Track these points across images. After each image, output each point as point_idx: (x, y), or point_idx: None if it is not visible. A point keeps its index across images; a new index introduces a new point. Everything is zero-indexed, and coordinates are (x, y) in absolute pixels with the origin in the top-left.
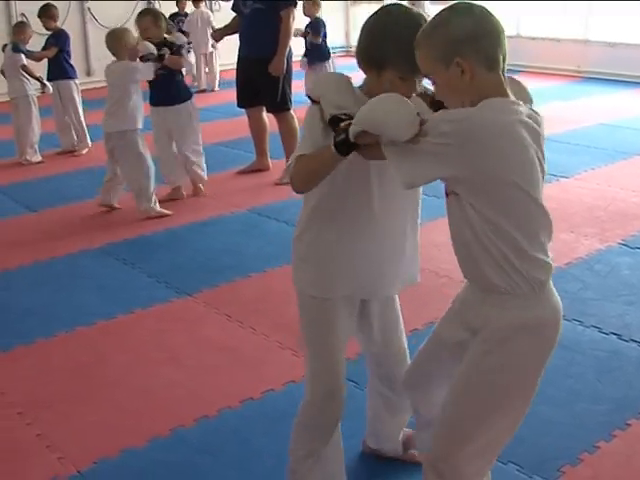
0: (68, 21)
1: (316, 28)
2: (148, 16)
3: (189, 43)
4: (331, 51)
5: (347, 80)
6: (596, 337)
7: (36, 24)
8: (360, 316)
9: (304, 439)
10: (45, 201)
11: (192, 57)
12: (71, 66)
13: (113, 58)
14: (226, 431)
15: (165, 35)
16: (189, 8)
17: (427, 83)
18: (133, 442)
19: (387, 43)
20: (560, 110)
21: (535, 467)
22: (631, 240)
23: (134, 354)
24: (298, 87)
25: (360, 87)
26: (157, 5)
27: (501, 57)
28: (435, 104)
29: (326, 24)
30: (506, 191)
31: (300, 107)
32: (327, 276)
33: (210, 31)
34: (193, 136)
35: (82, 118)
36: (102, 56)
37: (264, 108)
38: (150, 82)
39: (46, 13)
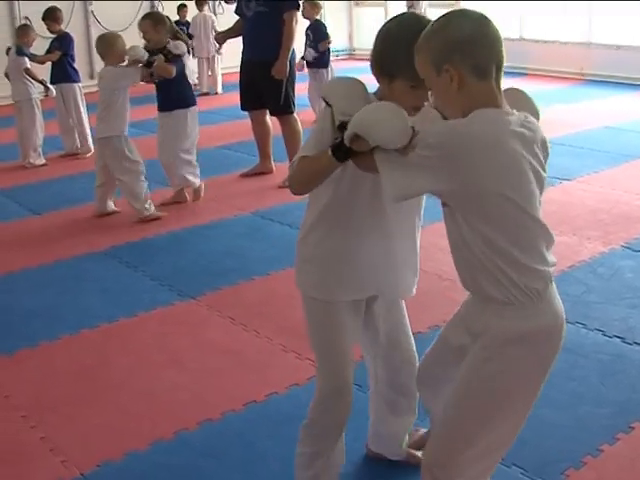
0: (71, 24)
1: (319, 32)
2: (148, 20)
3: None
4: (333, 54)
5: (360, 86)
6: (599, 340)
7: (40, 27)
8: (365, 319)
9: (313, 439)
10: (49, 204)
11: (194, 61)
12: (75, 70)
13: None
14: (230, 434)
15: (169, 40)
16: (192, 13)
17: None
18: (136, 445)
19: (398, 52)
20: (563, 113)
21: (538, 470)
22: (635, 243)
23: (137, 357)
24: (301, 90)
25: (374, 93)
26: (160, 8)
27: (494, 66)
28: None
29: (327, 27)
30: (497, 205)
31: (303, 110)
32: (330, 279)
33: (213, 34)
34: (180, 143)
35: (85, 122)
36: None
37: (267, 111)
38: (156, 87)
39: (51, 16)
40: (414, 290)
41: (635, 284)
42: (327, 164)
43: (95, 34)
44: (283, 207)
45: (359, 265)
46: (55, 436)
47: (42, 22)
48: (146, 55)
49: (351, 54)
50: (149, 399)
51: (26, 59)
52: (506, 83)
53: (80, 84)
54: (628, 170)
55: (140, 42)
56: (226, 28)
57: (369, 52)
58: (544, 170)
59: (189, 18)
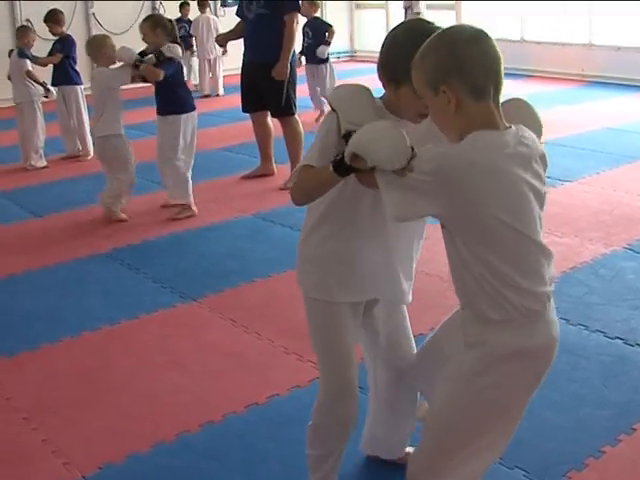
0: (73, 26)
1: (319, 28)
2: (147, 22)
3: (193, 49)
4: (334, 56)
5: (366, 93)
6: (601, 342)
7: (42, 29)
8: (365, 321)
9: (318, 441)
10: (50, 206)
11: (196, 61)
12: (76, 72)
13: (119, 63)
14: (231, 436)
15: (168, 43)
16: (194, 13)
17: None
18: (138, 447)
19: (405, 59)
20: (565, 114)
21: (540, 472)
22: (636, 244)
23: (139, 359)
24: (303, 92)
25: (381, 98)
26: (161, 10)
27: (492, 87)
28: None
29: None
30: (497, 230)
31: (305, 112)
32: (330, 280)
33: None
34: (172, 149)
35: (86, 125)
36: None
37: (269, 113)
38: (154, 90)
39: (53, 18)
40: (410, 297)
41: (637, 285)
42: (329, 178)
43: None
44: (284, 209)
45: (359, 268)
46: (57, 438)
47: (43, 24)
48: (134, 56)
49: (352, 56)
50: (151, 401)
51: (27, 61)
52: (508, 85)
53: (82, 86)
54: (630, 171)
55: (142, 44)
56: (227, 30)
57: (370, 54)
58: (544, 183)
59: (191, 17)
